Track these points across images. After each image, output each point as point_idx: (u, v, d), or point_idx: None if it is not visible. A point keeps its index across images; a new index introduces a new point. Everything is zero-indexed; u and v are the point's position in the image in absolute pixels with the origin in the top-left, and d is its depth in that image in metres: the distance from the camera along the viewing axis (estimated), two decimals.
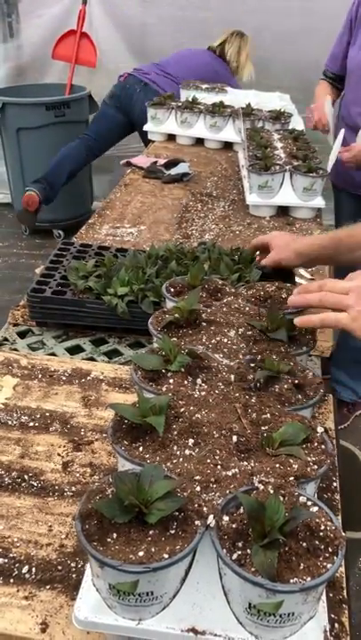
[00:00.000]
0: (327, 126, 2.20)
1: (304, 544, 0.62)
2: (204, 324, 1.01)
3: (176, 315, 1.00)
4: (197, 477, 0.68)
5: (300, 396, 0.84)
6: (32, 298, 1.32)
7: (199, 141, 2.78)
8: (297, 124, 2.73)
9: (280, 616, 0.59)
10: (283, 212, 2.05)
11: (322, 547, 0.62)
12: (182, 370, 0.87)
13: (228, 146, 2.73)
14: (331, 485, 0.92)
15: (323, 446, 0.74)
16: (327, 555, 0.61)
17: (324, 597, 0.65)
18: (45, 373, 1.14)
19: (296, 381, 0.86)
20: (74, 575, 0.77)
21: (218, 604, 0.64)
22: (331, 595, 0.74)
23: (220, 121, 2.68)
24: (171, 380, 0.85)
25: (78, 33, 3.78)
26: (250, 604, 0.60)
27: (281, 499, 0.63)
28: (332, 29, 2.45)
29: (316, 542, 0.62)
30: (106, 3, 3.75)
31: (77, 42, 3.80)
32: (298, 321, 0.92)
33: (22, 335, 1.33)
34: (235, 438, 0.75)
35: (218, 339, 0.96)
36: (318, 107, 2.27)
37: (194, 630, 0.64)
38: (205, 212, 2.04)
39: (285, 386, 0.84)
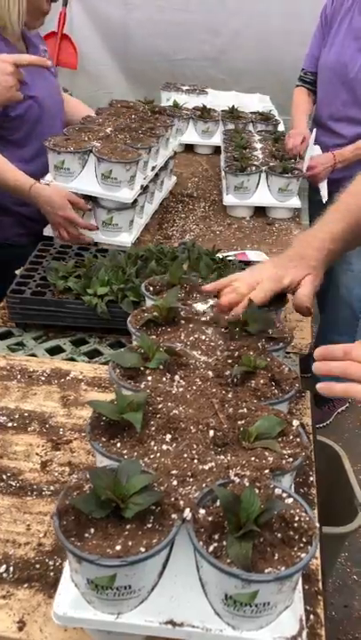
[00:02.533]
0: (295, 157, 2.21)
1: (279, 535, 0.63)
2: (183, 321, 1.02)
3: (155, 313, 1.01)
4: (174, 472, 0.69)
5: (276, 391, 0.85)
6: (11, 299, 1.32)
7: (188, 148, 2.75)
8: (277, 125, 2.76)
9: (256, 606, 0.60)
10: (261, 212, 2.07)
11: (296, 537, 0.63)
12: (161, 367, 0.88)
13: (218, 150, 2.68)
14: (307, 480, 0.93)
15: (298, 439, 0.75)
16: (301, 545, 0.62)
17: (300, 587, 0.66)
18: (24, 374, 1.14)
19: (272, 376, 0.87)
20: (52, 573, 0.77)
21: (195, 596, 0.65)
22: (306, 587, 0.75)
23: (212, 126, 2.68)
24: (149, 377, 0.85)
25: (59, 35, 3.77)
26: (226, 595, 0.61)
27: (256, 491, 0.64)
28: (311, 32, 2.48)
29: (291, 533, 0.63)
30: (86, 5, 3.74)
31: (58, 44, 3.79)
32: (321, 387, 0.80)
33: (2, 337, 1.33)
34: (211, 433, 0.75)
35: (196, 336, 0.97)
36: (294, 135, 2.27)
37: (172, 622, 0.64)
38: (186, 213, 2.05)
39: (262, 381, 0.85)
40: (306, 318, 1.43)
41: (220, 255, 1.48)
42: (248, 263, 1.54)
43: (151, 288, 1.14)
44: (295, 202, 2.05)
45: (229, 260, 1.45)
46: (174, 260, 1.41)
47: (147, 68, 3.70)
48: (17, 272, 1.43)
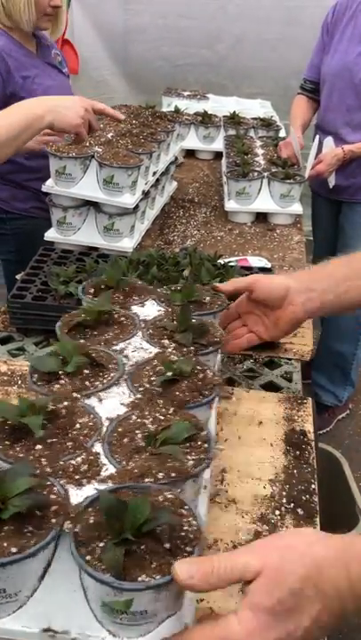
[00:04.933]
0: (298, 164, 2.22)
1: (165, 544, 0.61)
2: (115, 325, 0.99)
3: (84, 315, 0.98)
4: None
5: (196, 395, 0.83)
6: (12, 303, 1.32)
7: (189, 153, 2.75)
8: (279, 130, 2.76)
9: (133, 614, 0.59)
10: (262, 218, 2.07)
11: (181, 546, 0.61)
12: (85, 371, 0.85)
13: (219, 156, 2.67)
14: (309, 487, 0.92)
15: (205, 445, 0.73)
16: (185, 554, 0.60)
17: (191, 595, 0.64)
18: (25, 379, 1.14)
19: (195, 381, 0.85)
20: None
21: (78, 602, 0.63)
22: None
23: (213, 131, 2.68)
24: (63, 381, 0.83)
25: (60, 40, 3.79)
26: (103, 602, 0.60)
27: (147, 498, 0.62)
28: (313, 38, 2.49)
29: (177, 542, 0.61)
30: (88, 10, 3.76)
31: (60, 49, 3.81)
32: None
33: (3, 341, 1.33)
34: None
35: (126, 339, 0.95)
36: (287, 144, 2.27)
37: (51, 629, 0.62)
38: (187, 219, 2.05)
39: (183, 386, 0.83)
40: (307, 324, 1.42)
41: (221, 261, 1.48)
42: (249, 269, 1.54)
43: (92, 290, 1.10)
44: (297, 208, 2.05)
45: (231, 266, 1.45)
46: (176, 265, 1.41)
47: (148, 74, 3.71)
48: (17, 277, 1.43)
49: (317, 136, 2.29)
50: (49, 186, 1.64)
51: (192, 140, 2.71)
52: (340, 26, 2.31)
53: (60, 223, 1.67)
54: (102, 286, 1.11)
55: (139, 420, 0.77)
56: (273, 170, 2.07)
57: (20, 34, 1.86)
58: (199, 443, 0.73)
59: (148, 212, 1.86)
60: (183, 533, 0.61)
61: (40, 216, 1.92)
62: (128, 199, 1.60)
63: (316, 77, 2.46)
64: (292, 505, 0.89)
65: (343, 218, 2.46)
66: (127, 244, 1.67)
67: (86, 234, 1.68)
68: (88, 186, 1.61)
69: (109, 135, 1.76)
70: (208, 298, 1.07)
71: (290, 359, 1.30)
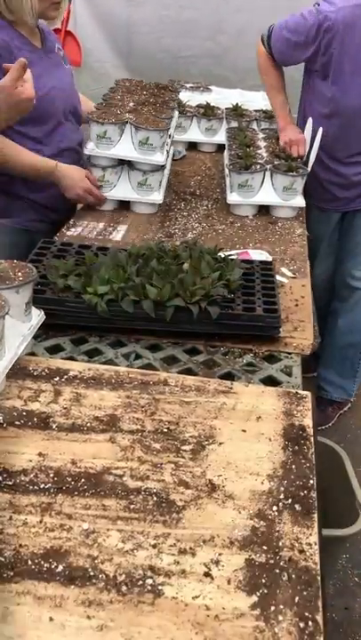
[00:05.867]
0: (304, 157, 2.17)
1: None
2: None
3: None
4: None
5: None
6: None
7: (191, 146, 2.72)
8: None
9: None
10: (265, 210, 2.05)
11: None
12: None
13: (221, 148, 2.61)
14: (307, 483, 0.91)
15: None
16: None
17: None
18: (22, 372, 1.13)
19: None
20: None
21: None
22: (305, 593, 0.74)
23: (215, 124, 2.66)
24: None
25: (63, 32, 3.76)
26: None
27: None
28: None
29: None
30: (90, 2, 3.73)
31: (62, 41, 3.79)
32: None
33: None
34: None
35: None
36: (298, 142, 2.20)
37: None
38: (188, 211, 2.04)
39: None
40: (308, 319, 1.41)
41: (222, 254, 1.46)
42: (250, 262, 1.52)
43: None
44: (300, 201, 2.03)
45: (231, 259, 1.43)
46: (176, 258, 1.40)
47: (151, 66, 3.69)
48: None
49: (310, 120, 2.21)
50: (90, 149, 1.88)
51: (194, 132, 2.69)
52: (351, 53, 2.10)
53: (100, 181, 1.91)
54: None
55: None
56: (276, 162, 2.05)
57: (25, 28, 1.74)
58: None
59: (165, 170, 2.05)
60: None
61: (36, 229, 1.86)
62: (159, 157, 1.89)
63: (280, 61, 2.32)
64: (289, 501, 0.88)
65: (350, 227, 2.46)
66: (157, 197, 1.96)
67: (121, 189, 1.95)
68: (124, 147, 1.88)
69: (130, 104, 2.02)
70: (20, 274, 1.12)
71: (290, 353, 1.29)
